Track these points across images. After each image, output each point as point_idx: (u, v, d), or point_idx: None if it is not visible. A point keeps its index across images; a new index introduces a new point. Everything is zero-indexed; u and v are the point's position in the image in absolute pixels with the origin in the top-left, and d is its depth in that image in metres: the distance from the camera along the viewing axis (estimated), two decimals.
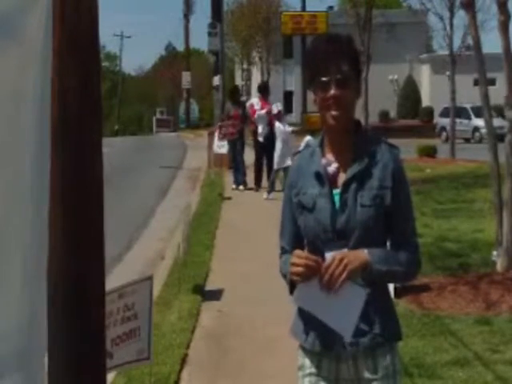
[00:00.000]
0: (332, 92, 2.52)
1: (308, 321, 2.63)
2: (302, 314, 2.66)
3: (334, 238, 2.56)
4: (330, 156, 2.64)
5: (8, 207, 1.44)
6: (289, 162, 13.91)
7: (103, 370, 1.70)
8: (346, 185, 2.58)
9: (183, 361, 5.58)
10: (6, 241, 1.43)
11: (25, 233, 1.46)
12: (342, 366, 2.63)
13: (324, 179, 2.60)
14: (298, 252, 2.54)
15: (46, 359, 1.58)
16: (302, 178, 2.66)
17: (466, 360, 5.36)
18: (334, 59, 2.55)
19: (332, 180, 2.61)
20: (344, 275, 2.45)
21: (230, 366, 5.54)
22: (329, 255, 2.50)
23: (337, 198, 2.59)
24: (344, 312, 2.49)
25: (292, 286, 2.60)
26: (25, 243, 1.46)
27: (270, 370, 5.35)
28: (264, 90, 15.52)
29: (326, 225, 2.57)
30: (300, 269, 2.48)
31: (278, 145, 14.05)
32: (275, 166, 14.09)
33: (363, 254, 2.51)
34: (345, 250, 2.50)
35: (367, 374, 2.60)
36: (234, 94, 16.60)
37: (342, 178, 2.60)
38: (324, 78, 2.54)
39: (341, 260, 2.45)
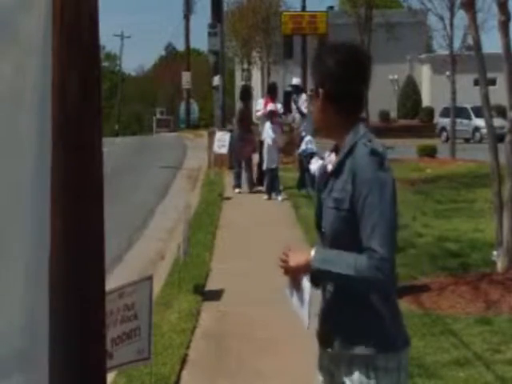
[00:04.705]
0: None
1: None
2: None
3: (320, 236, 2.74)
4: (332, 156, 2.74)
5: (9, 208, 1.43)
6: (274, 165, 13.92)
7: (103, 370, 1.70)
8: (324, 186, 2.69)
9: (183, 361, 5.58)
10: (8, 241, 1.43)
11: (26, 233, 1.46)
12: (327, 361, 2.72)
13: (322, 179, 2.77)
14: (284, 251, 2.71)
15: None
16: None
17: (467, 360, 5.35)
18: (314, 68, 2.76)
19: (325, 179, 2.75)
20: (288, 274, 2.70)
21: (230, 365, 5.53)
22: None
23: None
24: (301, 303, 2.73)
25: None
26: (27, 244, 1.46)
27: (270, 370, 5.35)
28: (272, 91, 15.53)
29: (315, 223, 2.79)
30: (280, 264, 2.71)
31: (265, 145, 14.07)
32: (264, 167, 14.13)
33: (305, 254, 2.63)
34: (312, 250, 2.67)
35: (341, 379, 2.64)
36: (245, 94, 16.39)
37: None
38: None
39: (286, 257, 2.67)
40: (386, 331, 2.58)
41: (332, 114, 2.67)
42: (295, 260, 2.64)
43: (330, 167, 2.70)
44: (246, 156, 15.11)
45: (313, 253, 2.58)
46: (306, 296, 2.69)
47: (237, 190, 14.96)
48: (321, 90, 2.66)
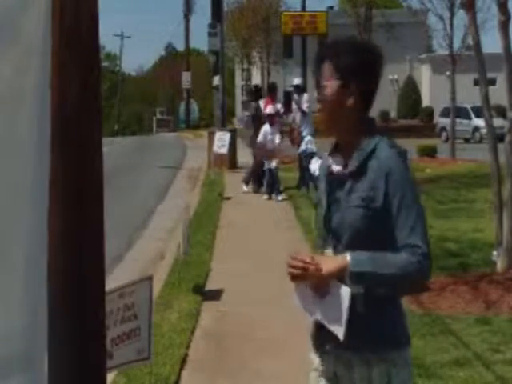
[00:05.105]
0: (316, 95, 2.64)
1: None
2: None
3: (328, 236, 2.65)
4: (335, 155, 2.70)
5: (9, 208, 1.43)
6: (273, 164, 13.95)
7: (103, 370, 1.70)
8: (339, 184, 2.62)
9: (183, 361, 5.58)
10: (8, 242, 1.43)
11: (26, 233, 1.46)
12: (339, 367, 2.66)
13: (325, 178, 2.71)
14: (292, 254, 2.60)
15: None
16: (320, 176, 2.79)
17: (466, 360, 5.36)
18: (320, 62, 2.63)
19: (333, 179, 2.68)
20: (321, 280, 2.53)
21: (230, 366, 5.54)
22: (327, 252, 2.65)
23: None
24: (334, 312, 2.54)
25: None
26: (26, 244, 1.46)
27: (270, 371, 5.35)
28: (272, 91, 15.51)
29: (321, 223, 2.68)
30: (292, 270, 2.56)
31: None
32: (264, 167, 14.17)
33: (342, 257, 2.53)
34: (329, 250, 2.60)
35: (362, 382, 2.61)
36: (257, 94, 16.34)
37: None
38: (315, 80, 2.66)
39: (317, 265, 2.52)
40: (397, 329, 2.65)
41: (353, 110, 2.62)
42: (328, 267, 2.52)
43: (336, 168, 2.65)
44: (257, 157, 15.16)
45: (349, 258, 2.51)
46: (346, 303, 2.51)
47: (245, 189, 14.91)
48: (353, 84, 2.60)
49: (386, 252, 2.53)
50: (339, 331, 2.54)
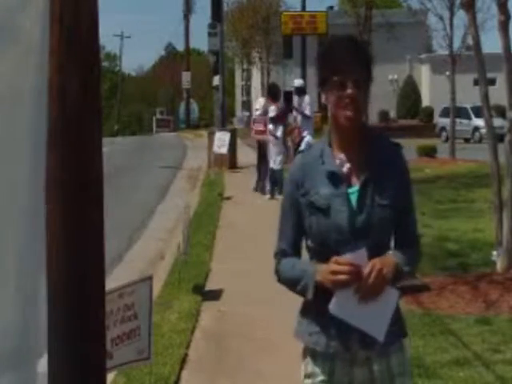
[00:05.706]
0: (349, 91, 2.50)
1: (318, 322, 2.59)
2: (310, 316, 2.62)
3: (350, 238, 2.51)
4: (340, 155, 2.60)
5: (4, 205, 1.43)
6: (278, 165, 14.01)
7: (103, 370, 1.70)
8: (364, 184, 2.55)
9: (183, 361, 5.58)
10: (1, 239, 1.43)
11: (21, 231, 1.46)
12: (355, 369, 2.60)
13: (340, 179, 2.56)
14: (338, 259, 2.48)
15: (44, 359, 1.58)
16: (311, 177, 2.60)
17: (466, 360, 5.35)
18: (353, 59, 2.55)
19: (346, 180, 2.57)
20: (384, 285, 2.48)
21: (230, 365, 5.53)
22: (348, 256, 2.47)
23: (353, 198, 2.55)
24: (378, 315, 2.49)
25: (308, 293, 2.55)
26: (20, 243, 1.46)
27: (270, 370, 5.35)
28: (272, 92, 15.44)
29: (341, 225, 2.53)
30: (343, 277, 2.45)
31: (269, 145, 14.22)
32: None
33: (392, 259, 2.56)
34: (363, 250, 2.46)
35: (381, 374, 2.61)
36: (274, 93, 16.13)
37: (354, 177, 2.58)
38: (342, 77, 2.52)
39: (380, 270, 2.45)
40: (404, 320, 2.73)
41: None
42: (388, 269, 2.48)
43: (346, 167, 2.57)
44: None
45: (395, 258, 2.54)
46: (393, 305, 2.51)
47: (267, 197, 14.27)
48: (369, 83, 2.62)
49: (402, 249, 2.63)
50: (379, 334, 2.50)
